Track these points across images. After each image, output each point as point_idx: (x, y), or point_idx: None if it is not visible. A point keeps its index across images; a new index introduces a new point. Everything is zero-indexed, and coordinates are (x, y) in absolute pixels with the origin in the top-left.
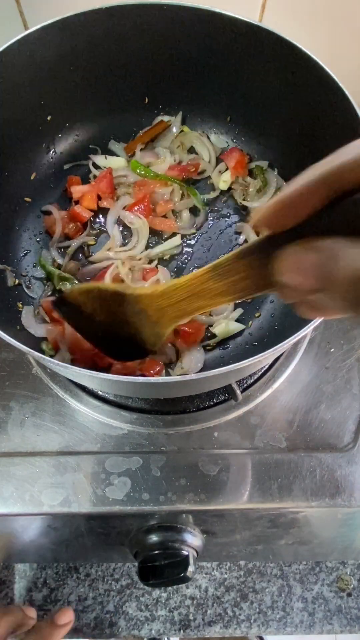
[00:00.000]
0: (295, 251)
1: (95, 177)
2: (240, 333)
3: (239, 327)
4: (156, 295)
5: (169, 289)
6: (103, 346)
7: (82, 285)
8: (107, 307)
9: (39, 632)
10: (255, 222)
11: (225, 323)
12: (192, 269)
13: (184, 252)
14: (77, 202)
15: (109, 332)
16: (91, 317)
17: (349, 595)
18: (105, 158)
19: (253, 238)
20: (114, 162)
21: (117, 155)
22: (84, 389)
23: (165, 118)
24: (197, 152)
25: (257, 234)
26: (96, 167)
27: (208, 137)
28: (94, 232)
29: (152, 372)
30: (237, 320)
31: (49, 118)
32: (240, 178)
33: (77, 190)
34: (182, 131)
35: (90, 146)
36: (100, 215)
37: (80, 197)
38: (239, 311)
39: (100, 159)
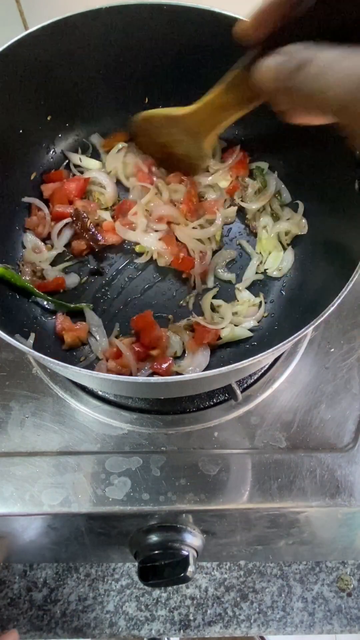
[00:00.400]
0: (263, 61)
1: (74, 175)
2: None
3: (246, 333)
4: (191, 113)
5: (197, 107)
6: (165, 164)
7: (143, 112)
8: (163, 130)
9: None
10: (239, 32)
11: (231, 327)
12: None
13: None
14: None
15: (168, 152)
16: (154, 140)
17: (349, 595)
18: (80, 160)
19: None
20: (88, 163)
21: (95, 148)
22: (84, 389)
23: None
24: None
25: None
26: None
27: None
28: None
29: (163, 366)
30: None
31: (49, 118)
32: (240, 178)
33: (47, 187)
34: None
35: (84, 140)
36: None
37: (50, 196)
38: (253, 323)
39: (75, 158)
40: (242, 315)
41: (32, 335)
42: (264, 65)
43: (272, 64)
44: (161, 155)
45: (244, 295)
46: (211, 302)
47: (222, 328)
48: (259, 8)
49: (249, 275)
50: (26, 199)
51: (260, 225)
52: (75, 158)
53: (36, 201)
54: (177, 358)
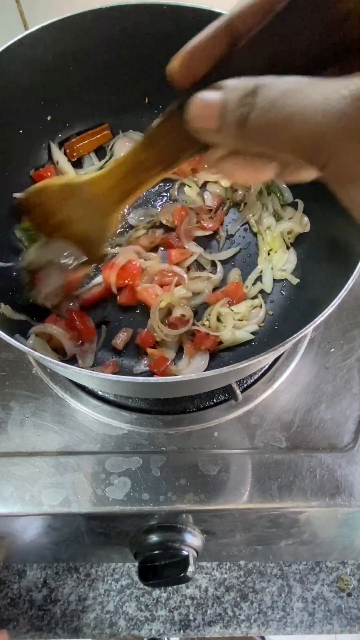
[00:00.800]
0: (200, 94)
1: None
2: None
3: (248, 336)
4: (98, 178)
5: (108, 170)
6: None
7: (36, 185)
8: (59, 204)
9: None
10: (169, 73)
11: (232, 332)
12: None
13: None
14: None
15: (64, 233)
16: (49, 217)
17: (349, 595)
18: (57, 162)
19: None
20: (63, 167)
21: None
22: (84, 389)
23: None
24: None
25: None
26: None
27: None
28: None
29: (160, 368)
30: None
31: (49, 118)
32: None
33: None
34: None
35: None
36: None
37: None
38: (254, 327)
39: (57, 155)
40: (245, 318)
41: (32, 335)
42: (205, 98)
43: (216, 95)
44: (56, 237)
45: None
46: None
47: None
48: (190, 44)
49: (268, 283)
50: (18, 195)
51: (264, 226)
52: (57, 156)
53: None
54: (174, 359)
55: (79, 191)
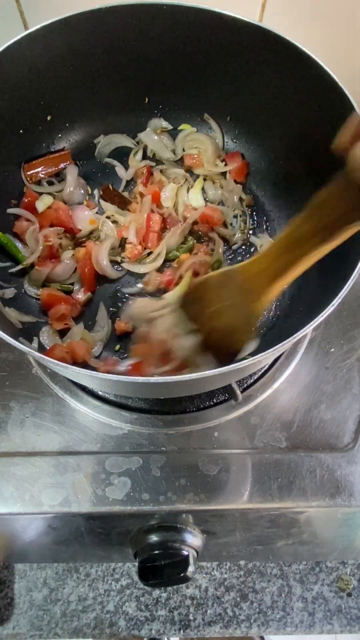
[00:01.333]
0: None
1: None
2: None
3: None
4: (254, 261)
5: (265, 251)
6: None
7: (197, 279)
8: (218, 291)
9: None
10: (338, 142)
11: None
12: None
13: None
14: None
15: (211, 326)
16: (203, 309)
17: (349, 595)
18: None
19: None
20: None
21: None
22: (84, 389)
23: (163, 123)
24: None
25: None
26: None
27: (209, 129)
28: None
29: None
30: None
31: (49, 118)
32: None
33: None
34: (181, 129)
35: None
36: None
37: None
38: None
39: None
40: None
41: (35, 339)
42: None
43: None
44: (205, 331)
45: None
46: None
47: None
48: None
49: None
50: (11, 210)
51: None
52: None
53: (23, 212)
54: None
55: (233, 277)
